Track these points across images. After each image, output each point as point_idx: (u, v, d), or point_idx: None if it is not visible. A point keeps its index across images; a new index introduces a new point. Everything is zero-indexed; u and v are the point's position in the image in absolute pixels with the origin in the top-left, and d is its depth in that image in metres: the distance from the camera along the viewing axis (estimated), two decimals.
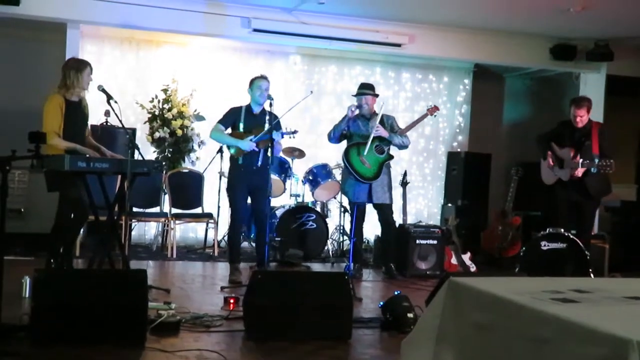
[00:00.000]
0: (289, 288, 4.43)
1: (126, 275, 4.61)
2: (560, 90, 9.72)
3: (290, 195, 8.12)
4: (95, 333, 3.92)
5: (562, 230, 6.35)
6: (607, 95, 9.12)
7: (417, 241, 7.27)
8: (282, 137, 6.32)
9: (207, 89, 8.78)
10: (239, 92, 8.24)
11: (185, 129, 8.36)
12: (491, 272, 6.62)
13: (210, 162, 8.22)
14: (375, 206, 7.03)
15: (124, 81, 8.63)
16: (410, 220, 8.28)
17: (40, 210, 7.23)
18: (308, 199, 8.14)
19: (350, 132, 6.97)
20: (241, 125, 6.28)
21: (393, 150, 7.04)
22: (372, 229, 7.94)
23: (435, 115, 7.41)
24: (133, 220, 7.87)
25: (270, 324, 4.28)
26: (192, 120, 8.45)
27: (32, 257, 6.55)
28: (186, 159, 8.54)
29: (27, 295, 4.99)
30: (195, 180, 8.20)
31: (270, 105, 6.22)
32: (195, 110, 8.52)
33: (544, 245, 6.33)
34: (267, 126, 6.15)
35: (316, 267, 7.66)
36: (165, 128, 8.24)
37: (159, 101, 8.37)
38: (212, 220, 7.99)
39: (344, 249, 8.39)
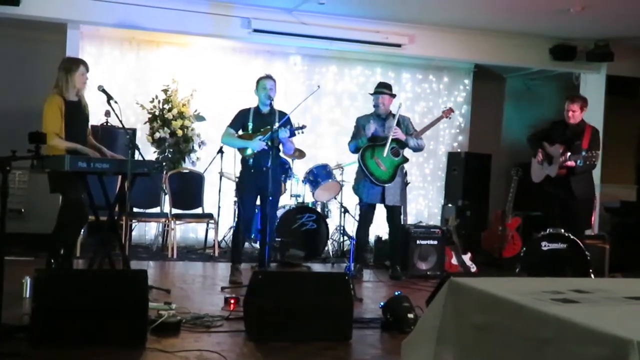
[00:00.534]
0: (290, 288, 4.42)
1: (127, 275, 4.61)
2: (561, 91, 9.72)
3: (291, 196, 8.12)
4: (96, 333, 3.91)
5: (562, 230, 6.36)
6: (607, 96, 9.13)
7: (418, 241, 7.28)
8: (292, 134, 6.21)
9: (208, 90, 8.78)
10: (239, 93, 8.29)
11: (185, 130, 8.36)
12: (491, 273, 6.61)
13: (210, 162, 8.23)
14: (387, 207, 7.05)
15: (124, 81, 8.63)
16: (411, 220, 8.29)
17: (41, 211, 7.24)
18: (308, 199, 8.14)
19: (366, 133, 6.96)
20: (250, 126, 6.27)
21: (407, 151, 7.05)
22: (373, 229, 7.93)
23: (450, 118, 7.41)
24: (133, 221, 7.87)
25: (270, 325, 4.28)
26: (192, 120, 8.45)
27: (32, 258, 6.55)
28: (186, 159, 8.54)
29: (27, 296, 4.98)
30: (196, 181, 8.21)
31: (270, 105, 6.22)
32: (196, 111, 8.53)
33: (545, 246, 6.34)
34: (276, 125, 6.14)
35: (317, 267, 7.66)
36: (165, 128, 8.24)
37: (159, 101, 8.38)
38: (212, 221, 8.00)
39: (345, 249, 8.40)
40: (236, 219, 6.46)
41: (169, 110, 8.29)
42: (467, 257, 7.49)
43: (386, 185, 6.87)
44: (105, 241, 5.42)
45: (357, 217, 7.42)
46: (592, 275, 6.36)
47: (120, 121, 5.27)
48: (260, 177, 6.10)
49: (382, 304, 4.95)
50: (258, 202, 6.42)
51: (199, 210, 8.11)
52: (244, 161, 6.30)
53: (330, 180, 7.90)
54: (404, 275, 7.09)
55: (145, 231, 8.68)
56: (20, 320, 4.15)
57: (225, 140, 6.46)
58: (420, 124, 8.02)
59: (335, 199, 8.30)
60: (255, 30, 7.98)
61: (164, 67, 8.73)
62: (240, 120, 6.33)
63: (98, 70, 8.04)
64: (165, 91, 8.38)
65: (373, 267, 7.67)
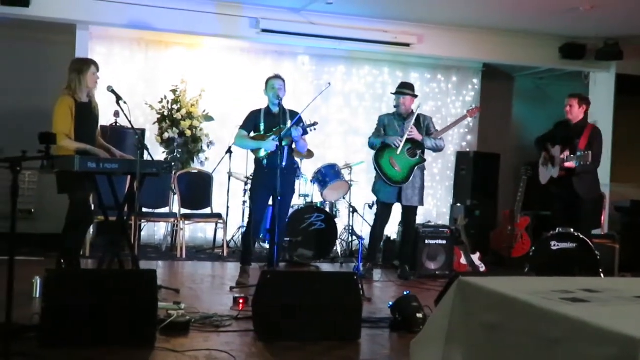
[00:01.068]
0: (298, 288, 4.43)
1: (136, 275, 4.62)
2: (570, 90, 9.67)
3: (299, 196, 8.12)
4: (105, 333, 3.93)
5: (572, 230, 6.34)
6: (617, 94, 9.08)
7: (427, 241, 7.28)
8: (305, 132, 6.19)
9: (216, 90, 8.80)
10: (248, 93, 8.30)
11: (194, 130, 8.38)
12: (500, 272, 6.59)
13: (219, 162, 8.24)
14: (403, 207, 7.05)
15: (134, 82, 8.65)
16: (420, 220, 8.26)
17: (51, 211, 7.27)
18: (317, 199, 8.15)
19: (386, 131, 6.97)
20: (262, 127, 6.25)
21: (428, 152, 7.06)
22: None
23: (475, 117, 7.37)
24: (142, 221, 7.90)
25: (279, 324, 4.29)
26: (201, 120, 8.47)
27: (42, 258, 6.59)
28: (195, 159, 8.56)
29: (37, 296, 5.02)
30: (205, 181, 8.22)
31: (280, 104, 6.22)
32: (204, 111, 8.54)
33: (554, 245, 6.32)
34: (289, 123, 6.14)
35: (325, 267, 7.67)
36: (174, 129, 8.26)
37: (168, 102, 8.40)
38: (221, 221, 8.01)
39: (353, 249, 8.40)
40: (247, 221, 6.42)
41: (178, 110, 8.31)
42: (476, 257, 7.48)
43: (402, 185, 6.85)
44: (114, 241, 5.45)
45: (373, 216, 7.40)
46: (602, 275, 6.33)
47: (130, 121, 5.29)
48: (274, 178, 6.06)
49: (390, 303, 4.95)
50: (270, 202, 6.40)
51: (207, 210, 8.12)
52: (258, 162, 6.27)
53: (338, 180, 7.90)
54: (413, 275, 7.09)
55: (155, 231, 8.70)
56: (30, 320, 4.17)
57: (239, 143, 6.43)
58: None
59: (344, 198, 8.30)
60: (264, 31, 7.99)
61: (173, 67, 8.75)
62: (252, 121, 6.31)
63: (107, 70, 8.04)
64: (174, 91, 8.40)
65: (382, 267, 7.67)
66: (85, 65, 5.45)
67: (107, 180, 5.29)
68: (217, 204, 8.24)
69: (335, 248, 8.03)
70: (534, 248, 6.50)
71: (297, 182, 7.90)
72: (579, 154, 6.35)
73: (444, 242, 7.34)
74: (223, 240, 7.98)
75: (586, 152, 6.28)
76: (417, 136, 6.80)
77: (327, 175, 7.89)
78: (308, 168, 8.31)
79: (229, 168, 8.13)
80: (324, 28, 8.18)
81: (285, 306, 4.30)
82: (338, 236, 7.98)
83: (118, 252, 5.35)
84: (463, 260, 7.45)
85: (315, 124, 6.26)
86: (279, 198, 6.02)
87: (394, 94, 7.12)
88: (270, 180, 6.08)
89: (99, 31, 8.30)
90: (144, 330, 4.02)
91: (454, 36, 8.69)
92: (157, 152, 8.19)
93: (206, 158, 8.64)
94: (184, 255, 7.68)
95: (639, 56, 8.99)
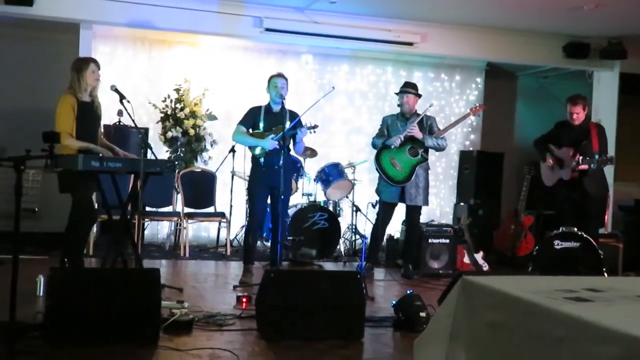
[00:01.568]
0: (302, 287, 4.43)
1: (139, 274, 4.61)
2: (573, 89, 9.65)
3: (303, 195, 8.12)
4: (109, 332, 3.94)
5: (575, 229, 6.33)
6: (621, 93, 9.06)
7: (430, 240, 7.26)
8: (305, 133, 6.19)
9: (219, 89, 8.80)
10: (251, 92, 8.29)
11: (197, 129, 8.39)
12: (504, 271, 6.61)
13: (222, 161, 8.25)
14: (407, 207, 7.04)
15: (137, 81, 8.66)
16: (423, 219, 8.26)
17: (54, 210, 7.26)
18: (320, 198, 8.14)
19: (389, 132, 6.96)
20: (261, 125, 6.24)
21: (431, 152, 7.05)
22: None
23: (478, 116, 7.34)
24: (146, 220, 7.90)
25: (282, 323, 4.29)
26: (204, 119, 8.48)
27: (46, 256, 6.59)
28: (198, 158, 8.57)
29: (41, 294, 5.02)
30: (208, 180, 8.23)
31: (282, 103, 6.21)
32: (208, 110, 8.55)
33: (557, 244, 6.31)
34: (288, 124, 6.13)
35: (328, 266, 7.67)
36: (177, 127, 8.27)
37: (171, 101, 8.41)
38: (224, 220, 8.01)
39: (356, 248, 8.40)
40: (247, 220, 6.42)
41: (181, 109, 8.32)
42: (479, 256, 7.47)
43: (404, 184, 6.85)
44: (118, 240, 5.45)
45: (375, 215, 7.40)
46: (606, 274, 6.32)
47: (133, 120, 5.29)
48: (271, 176, 6.08)
49: (394, 302, 4.95)
50: (269, 200, 6.41)
51: (211, 209, 8.13)
52: (255, 160, 6.28)
53: (342, 179, 7.90)
54: (416, 274, 7.08)
55: (158, 230, 8.72)
56: (34, 319, 4.16)
57: (237, 138, 6.43)
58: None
59: (347, 197, 8.30)
60: (267, 29, 7.99)
61: (176, 66, 8.76)
62: (251, 118, 6.30)
63: (111, 70, 8.08)
64: (177, 90, 8.41)
65: (385, 266, 7.66)
66: (84, 64, 5.43)
67: (110, 179, 5.30)
68: (221, 203, 8.24)
69: (338, 247, 8.03)
70: (537, 247, 6.50)
71: (301, 181, 7.97)
72: (598, 157, 6.38)
73: (447, 241, 7.33)
74: (226, 239, 7.98)
75: (604, 157, 6.33)
76: (418, 134, 6.78)
77: (331, 174, 7.90)
78: (311, 167, 8.31)
79: (232, 167, 8.13)
80: (327, 27, 8.18)
81: (289, 305, 4.30)
82: (341, 235, 7.98)
83: (121, 251, 5.36)
84: (466, 259, 7.45)
85: (315, 126, 6.27)
86: (282, 197, 6.01)
87: (397, 93, 7.11)
88: (269, 178, 6.10)
89: (103, 30, 8.30)
90: (147, 328, 4.02)
91: (458, 35, 8.68)
92: (160, 151, 8.20)
93: (209, 157, 8.65)
94: (187, 254, 7.69)
95: None
